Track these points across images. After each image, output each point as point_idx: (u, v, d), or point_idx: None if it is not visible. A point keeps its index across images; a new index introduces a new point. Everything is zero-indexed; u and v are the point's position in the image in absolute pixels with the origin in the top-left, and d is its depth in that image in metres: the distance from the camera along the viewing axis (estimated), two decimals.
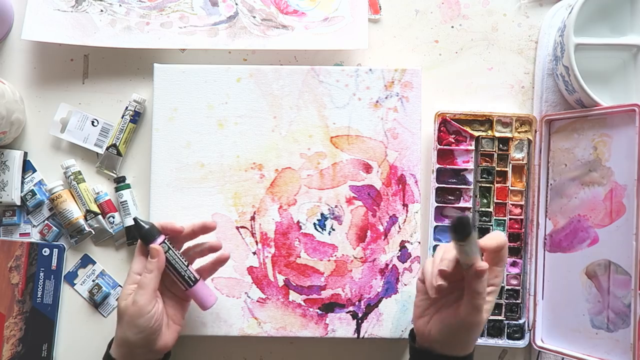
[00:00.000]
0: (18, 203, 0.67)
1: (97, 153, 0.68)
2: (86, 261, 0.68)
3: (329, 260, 0.64)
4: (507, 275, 0.66)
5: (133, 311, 0.52)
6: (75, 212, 0.66)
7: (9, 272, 0.66)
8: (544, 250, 0.66)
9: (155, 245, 0.54)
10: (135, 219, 0.55)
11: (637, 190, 0.57)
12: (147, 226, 0.55)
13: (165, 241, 0.55)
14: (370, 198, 0.65)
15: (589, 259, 0.62)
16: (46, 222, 0.67)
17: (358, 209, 0.65)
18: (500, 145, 0.66)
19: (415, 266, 0.64)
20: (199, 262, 0.59)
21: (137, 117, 0.68)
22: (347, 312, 0.64)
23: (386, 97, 0.65)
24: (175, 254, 0.56)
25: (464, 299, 0.50)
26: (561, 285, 0.64)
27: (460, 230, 0.45)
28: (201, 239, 0.58)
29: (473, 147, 0.66)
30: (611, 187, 0.60)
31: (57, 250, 0.66)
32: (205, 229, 0.57)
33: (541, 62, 0.68)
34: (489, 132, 0.66)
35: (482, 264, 0.48)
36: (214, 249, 0.58)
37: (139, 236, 0.55)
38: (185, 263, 0.56)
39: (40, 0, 0.67)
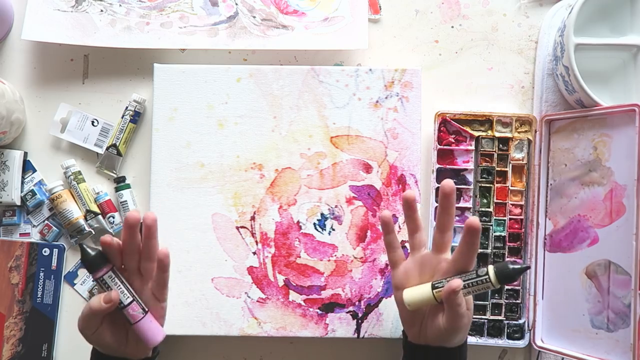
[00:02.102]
0: (18, 203, 0.67)
1: (97, 153, 0.68)
2: None
3: (329, 260, 0.64)
4: None
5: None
6: (75, 212, 0.66)
7: (9, 272, 0.66)
8: (544, 250, 0.66)
9: (114, 294, 0.50)
10: (80, 245, 0.50)
11: (637, 190, 0.57)
12: (92, 253, 0.50)
13: (111, 271, 0.51)
14: (370, 198, 0.65)
15: (589, 259, 0.62)
16: (46, 222, 0.67)
17: (358, 209, 0.65)
18: (500, 145, 0.66)
19: None
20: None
21: (137, 117, 0.68)
22: (347, 312, 0.64)
23: (386, 97, 0.65)
24: (121, 285, 0.51)
25: (445, 310, 0.51)
26: (561, 285, 0.64)
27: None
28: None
29: (473, 147, 0.66)
30: (611, 187, 0.60)
31: (57, 250, 0.66)
32: (130, 225, 0.50)
33: (541, 62, 0.68)
34: (489, 132, 0.66)
35: (455, 282, 0.49)
36: (129, 222, 0.50)
37: (83, 264, 0.50)
38: (129, 299, 0.51)
39: (40, 0, 0.67)
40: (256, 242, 0.64)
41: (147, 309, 0.52)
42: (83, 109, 0.68)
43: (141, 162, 0.68)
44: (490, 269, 0.50)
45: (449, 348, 0.53)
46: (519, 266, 0.49)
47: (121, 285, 0.51)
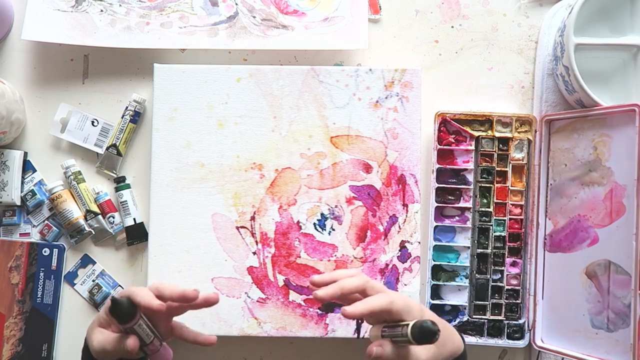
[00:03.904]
0: (18, 203, 0.67)
1: (97, 153, 0.68)
2: (86, 261, 0.68)
3: (329, 260, 0.64)
4: (507, 275, 0.66)
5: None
6: (75, 212, 0.66)
7: (9, 272, 0.66)
8: (544, 250, 0.66)
9: (134, 342, 0.49)
10: (113, 299, 0.47)
11: (637, 190, 0.57)
12: (125, 304, 0.48)
13: (140, 319, 0.50)
14: (370, 198, 0.65)
15: (589, 259, 0.62)
16: (46, 222, 0.67)
17: (358, 209, 0.65)
18: (500, 145, 0.66)
19: (415, 266, 0.64)
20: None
21: (137, 117, 0.68)
22: None
23: (386, 97, 0.65)
24: (147, 329, 0.51)
25: None
26: (561, 285, 0.64)
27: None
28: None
29: (473, 147, 0.66)
30: (611, 187, 0.60)
31: (57, 250, 0.66)
32: (185, 299, 0.50)
33: (541, 62, 0.68)
34: (489, 132, 0.66)
35: (369, 349, 0.49)
36: (188, 298, 0.50)
37: (114, 315, 0.48)
38: (150, 338, 0.51)
39: (40, 0, 0.67)
40: (256, 242, 0.64)
41: (163, 341, 0.53)
42: (83, 109, 0.68)
43: (141, 162, 0.68)
44: (409, 326, 0.47)
45: None
46: (431, 326, 0.45)
47: (147, 329, 0.51)
